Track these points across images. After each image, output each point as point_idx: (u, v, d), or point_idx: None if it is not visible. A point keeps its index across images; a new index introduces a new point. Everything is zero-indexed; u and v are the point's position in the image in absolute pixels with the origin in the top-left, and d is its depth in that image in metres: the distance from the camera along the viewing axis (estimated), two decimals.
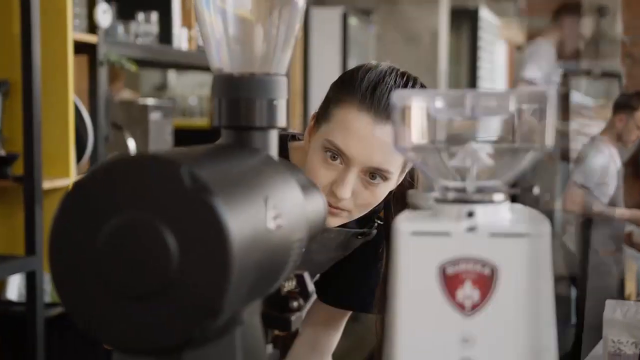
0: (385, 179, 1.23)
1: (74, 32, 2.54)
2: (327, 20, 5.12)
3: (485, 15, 7.40)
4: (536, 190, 4.30)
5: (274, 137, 0.83)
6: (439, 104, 0.71)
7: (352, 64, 6.13)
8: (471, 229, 0.68)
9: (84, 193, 0.63)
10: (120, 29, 2.91)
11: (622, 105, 4.28)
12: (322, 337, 1.47)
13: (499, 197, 0.71)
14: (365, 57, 6.10)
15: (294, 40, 0.85)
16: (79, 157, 2.59)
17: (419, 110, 0.72)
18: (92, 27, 2.64)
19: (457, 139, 0.73)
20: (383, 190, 1.26)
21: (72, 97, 2.49)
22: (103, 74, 2.66)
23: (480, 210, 0.70)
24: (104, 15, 2.61)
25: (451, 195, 0.71)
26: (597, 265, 4.17)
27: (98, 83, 2.64)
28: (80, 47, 2.61)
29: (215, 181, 0.63)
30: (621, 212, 4.26)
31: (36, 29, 2.35)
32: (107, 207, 0.62)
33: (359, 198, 1.25)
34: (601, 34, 9.23)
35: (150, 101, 3.13)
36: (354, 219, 1.30)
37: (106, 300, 0.62)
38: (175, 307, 0.61)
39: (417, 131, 0.72)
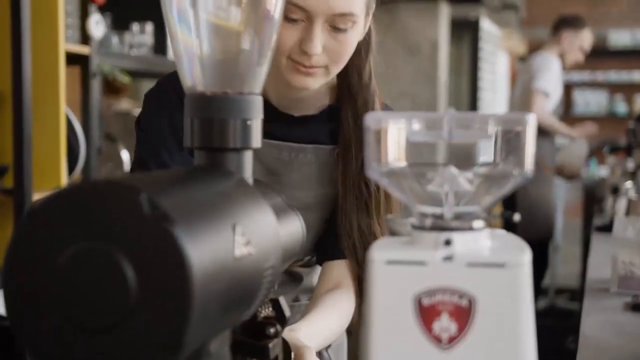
0: (352, 23, 1.20)
1: (66, 43, 2.51)
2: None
3: (486, 25, 7.38)
4: (517, 217, 4.33)
5: (248, 158, 0.80)
6: (415, 126, 0.68)
7: None
8: (448, 258, 0.66)
9: (41, 220, 0.60)
10: (115, 39, 2.88)
11: (568, 24, 4.38)
12: (337, 299, 1.30)
13: (478, 224, 0.68)
14: None
15: (269, 57, 0.82)
16: (71, 169, 2.56)
17: (394, 132, 0.69)
18: (85, 38, 2.62)
19: (434, 163, 0.71)
20: (352, 37, 1.22)
21: (63, 108, 2.46)
22: (96, 85, 2.64)
23: (458, 238, 0.67)
24: (97, 26, 2.59)
25: (428, 222, 0.68)
26: (541, 180, 4.29)
27: (90, 94, 2.62)
28: (73, 58, 2.59)
29: (176, 208, 0.60)
30: (575, 131, 4.50)
31: (27, 40, 2.33)
32: (64, 235, 0.59)
33: (330, 50, 1.21)
34: None
35: None
36: (332, 76, 1.27)
37: (62, 332, 0.59)
38: (133, 341, 0.58)
39: (392, 154, 0.69)
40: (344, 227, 1.30)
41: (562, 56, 4.40)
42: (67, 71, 2.53)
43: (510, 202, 4.36)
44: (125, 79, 2.73)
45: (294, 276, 1.46)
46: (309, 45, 1.18)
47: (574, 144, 4.62)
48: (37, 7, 2.42)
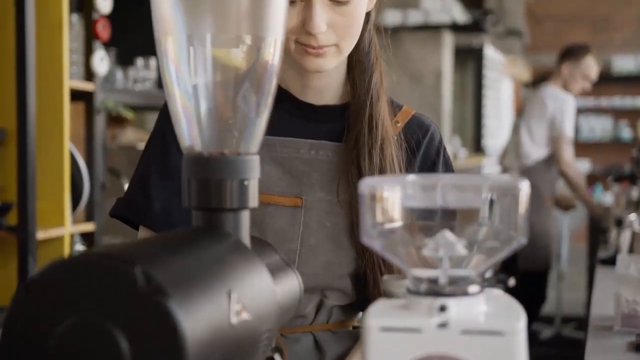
0: None
1: (71, 80, 2.53)
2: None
3: (490, 53, 7.41)
4: (511, 282, 4.39)
5: (245, 218, 0.80)
6: (409, 192, 0.68)
7: None
8: (442, 325, 0.66)
9: (36, 293, 0.60)
10: (119, 74, 2.90)
11: (568, 55, 4.40)
12: None
13: (473, 288, 0.68)
14: None
15: (266, 117, 0.83)
16: (75, 205, 2.57)
17: (388, 198, 0.69)
18: (90, 75, 2.63)
19: (429, 228, 0.71)
20: (357, 8, 1.15)
21: (67, 145, 2.47)
22: (100, 121, 2.65)
23: (453, 303, 0.67)
24: (101, 62, 2.61)
25: (423, 287, 0.68)
26: (541, 210, 4.27)
27: (95, 130, 2.63)
28: (78, 94, 2.61)
29: (171, 280, 0.60)
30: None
31: (32, 77, 2.34)
32: (59, 309, 0.59)
33: (336, 26, 1.14)
34: None
35: None
36: (346, 54, 1.19)
37: None
38: None
39: (387, 219, 0.70)
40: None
41: (565, 87, 4.41)
42: (72, 107, 2.55)
43: None
44: (129, 114, 2.74)
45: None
46: (311, 25, 1.12)
47: None
48: (43, 44, 2.44)
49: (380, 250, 0.70)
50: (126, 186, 2.93)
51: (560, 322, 5.46)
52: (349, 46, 1.18)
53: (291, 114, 1.26)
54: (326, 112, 1.26)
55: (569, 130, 4.28)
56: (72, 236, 2.62)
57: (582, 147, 10.10)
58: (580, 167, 9.95)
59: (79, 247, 2.75)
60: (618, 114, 9.96)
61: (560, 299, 5.54)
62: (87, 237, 2.72)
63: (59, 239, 2.50)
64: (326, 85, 1.26)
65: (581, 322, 5.47)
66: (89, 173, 2.60)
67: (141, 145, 3.18)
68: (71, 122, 2.54)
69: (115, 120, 3.53)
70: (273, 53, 0.81)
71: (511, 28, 9.36)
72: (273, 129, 1.23)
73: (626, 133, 9.92)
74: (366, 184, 0.69)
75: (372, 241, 0.69)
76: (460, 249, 0.69)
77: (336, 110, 1.26)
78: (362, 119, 1.21)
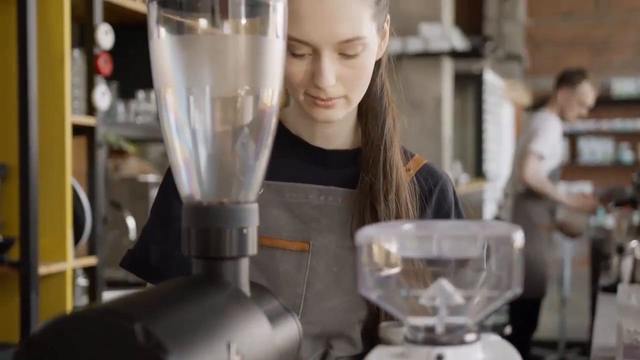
0: (362, 46, 1.12)
1: (73, 115, 2.55)
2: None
3: (490, 78, 7.45)
4: (508, 330, 4.43)
5: (244, 265, 0.81)
6: (406, 242, 0.69)
7: None
8: None
9: (36, 348, 0.61)
10: (121, 107, 2.92)
11: (564, 81, 4.40)
12: None
13: (470, 337, 0.69)
14: None
15: (264, 166, 0.84)
16: (77, 239, 2.57)
17: (385, 248, 0.70)
18: (91, 109, 2.65)
19: (426, 276, 0.72)
20: (366, 60, 1.14)
21: (69, 180, 2.49)
22: (102, 155, 2.67)
23: (450, 352, 0.68)
24: (103, 97, 2.63)
25: (420, 335, 0.69)
26: (533, 238, 4.26)
27: (96, 165, 2.65)
28: (79, 129, 2.62)
29: (171, 334, 0.61)
30: (572, 200, 4.47)
31: (34, 112, 2.36)
32: None
33: (345, 79, 1.13)
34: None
35: (151, 178, 3.13)
36: (356, 104, 1.18)
37: None
38: None
39: (384, 269, 0.71)
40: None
41: (562, 113, 4.43)
42: (73, 141, 2.56)
43: None
44: (130, 148, 2.76)
45: None
46: (320, 79, 1.11)
47: None
48: (45, 80, 2.46)
49: (376, 299, 0.71)
50: (128, 219, 2.94)
51: (564, 347, 5.44)
52: (357, 97, 1.17)
53: (301, 159, 1.25)
54: (336, 157, 1.26)
55: (536, 147, 4.27)
56: (74, 270, 2.63)
57: (583, 170, 10.12)
58: (581, 189, 9.98)
59: (81, 281, 2.76)
60: (619, 136, 9.98)
61: (563, 324, 5.53)
62: (89, 271, 2.73)
63: (61, 274, 2.50)
64: (336, 131, 1.26)
65: (585, 347, 5.45)
66: (90, 207, 2.61)
67: (143, 177, 3.19)
68: (73, 156, 2.55)
69: (118, 151, 3.55)
70: (271, 103, 0.82)
71: (511, 52, 9.42)
72: (283, 173, 1.24)
73: (627, 156, 9.94)
74: (363, 235, 0.70)
75: (369, 291, 0.70)
76: (457, 297, 0.70)
77: (347, 155, 1.25)
78: (377, 165, 1.21)
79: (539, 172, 4.26)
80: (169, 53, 0.79)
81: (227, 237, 0.79)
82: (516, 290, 0.69)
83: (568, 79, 4.44)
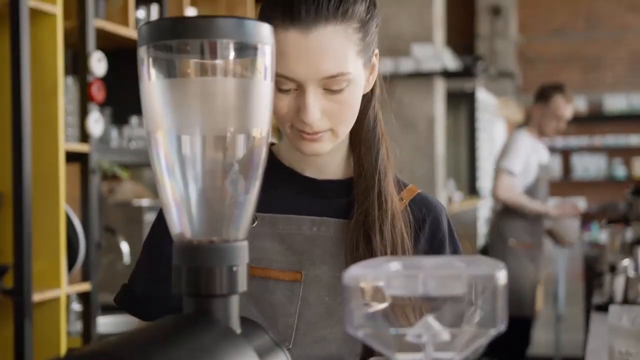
0: (346, 82, 1.13)
1: (66, 142, 2.56)
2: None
3: (482, 96, 7.49)
4: None
5: (234, 302, 0.83)
6: (392, 282, 0.71)
7: None
8: None
9: None
10: (114, 133, 2.94)
11: (538, 97, 4.41)
12: None
13: None
14: None
15: (253, 204, 0.85)
16: (71, 265, 2.58)
17: (372, 288, 0.71)
18: (85, 136, 2.67)
19: (412, 313, 0.73)
20: (352, 94, 1.15)
21: (63, 207, 2.50)
22: (95, 181, 2.68)
23: None
24: (96, 124, 2.65)
25: None
26: (508, 256, 4.25)
27: (90, 191, 2.66)
28: (73, 156, 2.64)
29: None
30: (553, 210, 4.44)
31: (28, 140, 2.38)
32: None
33: (330, 113, 1.14)
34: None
35: (145, 202, 3.14)
36: (343, 137, 1.20)
37: None
38: None
39: (370, 307, 0.72)
40: None
41: (540, 129, 4.45)
42: (67, 168, 2.57)
43: None
44: (123, 174, 2.77)
45: None
46: (305, 114, 1.13)
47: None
48: (38, 107, 2.48)
49: (364, 337, 0.72)
50: (122, 244, 2.94)
51: None
52: (344, 130, 1.18)
53: (294, 190, 1.26)
54: (329, 187, 1.27)
55: (505, 164, 4.28)
56: (68, 296, 2.64)
57: (577, 186, 10.16)
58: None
59: (75, 306, 2.76)
60: (612, 152, 10.03)
61: (558, 340, 5.54)
62: (83, 296, 2.73)
63: (55, 300, 2.51)
64: (328, 161, 1.26)
65: None
66: (84, 233, 2.62)
67: (137, 201, 3.20)
68: (66, 183, 2.56)
69: (113, 175, 3.56)
70: (260, 142, 0.84)
71: (503, 70, 9.47)
72: (277, 205, 1.25)
73: (620, 171, 9.98)
74: (350, 274, 0.72)
75: (356, 329, 0.72)
76: (444, 334, 0.71)
77: (339, 185, 1.26)
78: (372, 195, 1.22)
79: (511, 188, 4.25)
80: (159, 96, 0.81)
81: (217, 276, 0.81)
82: (500, 327, 0.70)
83: (542, 94, 4.45)
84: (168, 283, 1.12)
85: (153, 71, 0.81)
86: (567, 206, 4.62)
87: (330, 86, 1.13)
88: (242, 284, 0.82)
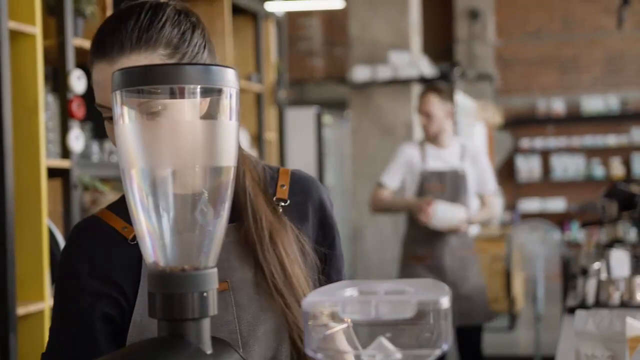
0: (163, 106, 1.11)
1: (48, 159, 2.62)
2: (302, 119, 5.28)
3: (461, 100, 7.57)
4: None
5: (206, 325, 0.89)
6: (347, 308, 0.78)
7: (328, 160, 6.28)
8: None
9: None
10: (95, 147, 2.99)
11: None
12: None
13: None
14: (341, 151, 6.25)
15: (222, 233, 0.92)
16: (54, 279, 2.64)
17: (329, 313, 0.78)
18: (66, 152, 2.72)
19: (366, 337, 0.80)
20: (208, 105, 1.18)
21: (45, 222, 2.55)
22: (77, 196, 2.73)
23: None
24: (77, 140, 2.70)
25: None
26: (404, 270, 4.12)
27: (72, 205, 2.71)
28: (54, 172, 2.69)
29: None
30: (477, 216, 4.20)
31: (9, 157, 2.43)
32: None
33: None
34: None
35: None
36: None
37: None
38: None
39: (327, 332, 0.79)
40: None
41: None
42: (49, 184, 2.63)
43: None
44: (105, 189, 2.83)
45: None
46: None
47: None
48: (19, 125, 2.53)
49: (322, 359, 0.79)
50: None
51: None
52: None
53: None
54: None
55: (383, 178, 4.12)
56: (51, 309, 2.68)
57: (556, 186, 10.29)
58: (555, 205, 10.14)
59: None
60: (590, 152, 10.16)
61: (538, 339, 5.62)
62: None
63: (39, 314, 2.56)
64: None
65: None
66: None
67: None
68: (48, 198, 2.61)
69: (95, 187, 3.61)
70: (227, 176, 0.91)
71: (482, 72, 9.58)
72: None
73: (599, 171, 10.11)
74: (308, 302, 0.78)
75: (315, 352, 0.79)
76: (396, 354, 0.78)
77: None
78: (247, 217, 1.27)
79: (377, 197, 4.11)
80: (132, 136, 0.87)
81: (189, 301, 0.87)
82: (445, 346, 0.77)
83: (424, 92, 4.17)
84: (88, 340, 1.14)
85: (126, 114, 0.87)
86: (423, 201, 4.24)
87: (148, 111, 1.06)
88: (213, 308, 0.89)
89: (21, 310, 2.46)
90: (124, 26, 1.19)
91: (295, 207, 1.32)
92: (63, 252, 1.30)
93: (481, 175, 4.13)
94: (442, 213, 3.97)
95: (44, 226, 2.53)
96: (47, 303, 2.58)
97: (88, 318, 1.23)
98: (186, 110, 0.88)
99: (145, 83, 0.87)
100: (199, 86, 0.87)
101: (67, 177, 2.72)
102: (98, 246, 1.26)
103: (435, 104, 4.03)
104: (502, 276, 7.23)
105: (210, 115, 0.89)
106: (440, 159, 4.14)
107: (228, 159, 0.89)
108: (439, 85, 4.23)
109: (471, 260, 4.25)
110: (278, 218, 1.29)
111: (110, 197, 3.76)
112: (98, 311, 1.23)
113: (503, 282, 7.20)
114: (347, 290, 0.81)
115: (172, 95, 0.88)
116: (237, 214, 1.27)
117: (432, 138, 4.13)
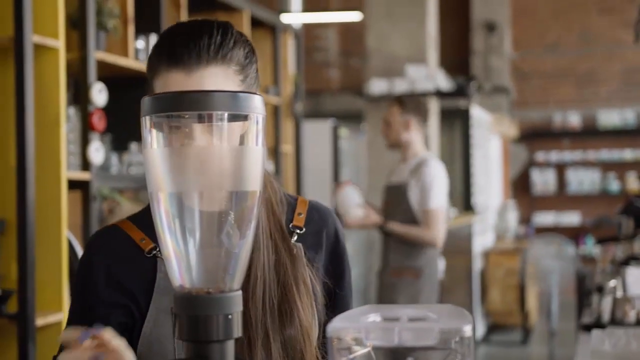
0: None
1: (68, 171, 2.65)
2: (318, 132, 5.31)
3: (477, 112, 7.58)
4: None
5: (230, 347, 0.91)
6: (371, 335, 0.79)
7: (343, 172, 6.30)
8: None
9: None
10: (115, 159, 3.02)
11: None
12: None
13: None
14: (356, 164, 6.26)
15: (247, 256, 0.94)
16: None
17: (353, 339, 0.80)
18: (86, 164, 2.75)
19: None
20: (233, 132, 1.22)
21: (65, 233, 2.58)
22: (96, 208, 2.76)
23: None
24: (97, 153, 2.73)
25: None
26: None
27: (91, 217, 2.74)
28: (75, 184, 2.72)
29: None
30: (395, 226, 3.96)
31: (31, 170, 2.46)
32: None
33: None
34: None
35: None
36: None
37: None
38: None
39: (352, 354, 0.80)
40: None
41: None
42: (69, 196, 2.66)
43: None
44: (123, 201, 2.86)
45: None
46: None
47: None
48: (41, 138, 2.56)
49: None
50: None
51: None
52: None
53: None
54: None
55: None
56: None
57: (571, 200, 10.24)
58: (570, 219, 10.10)
59: None
60: (606, 166, 10.12)
61: (552, 354, 5.61)
62: None
63: (58, 324, 2.58)
64: None
65: None
66: None
67: None
68: (68, 210, 2.64)
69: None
70: (253, 200, 0.92)
71: (498, 85, 9.57)
72: None
73: (614, 185, 10.07)
74: (332, 327, 0.80)
75: None
76: None
77: None
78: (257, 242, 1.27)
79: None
80: (160, 161, 0.89)
81: (214, 323, 0.89)
82: None
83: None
84: None
85: (154, 139, 0.89)
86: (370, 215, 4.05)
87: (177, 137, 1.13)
88: (238, 330, 0.91)
89: (40, 321, 2.49)
90: (198, 39, 1.20)
91: (310, 236, 1.33)
92: (82, 259, 1.31)
93: (422, 192, 3.91)
94: (343, 196, 3.94)
95: (64, 238, 2.56)
96: (65, 313, 2.61)
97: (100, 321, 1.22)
98: (213, 135, 0.90)
99: (174, 109, 0.89)
100: (226, 112, 0.89)
101: (86, 189, 2.75)
102: (115, 255, 1.28)
103: (394, 114, 4.02)
104: (516, 290, 7.22)
105: (237, 140, 0.91)
106: (396, 174, 4.11)
107: (254, 184, 0.91)
108: (406, 98, 4.20)
109: (406, 284, 3.97)
110: (288, 245, 1.29)
111: (127, 207, 3.79)
112: (113, 321, 1.25)
113: (517, 296, 7.19)
114: (370, 316, 0.82)
115: (201, 120, 0.90)
116: None
117: (391, 147, 4.13)
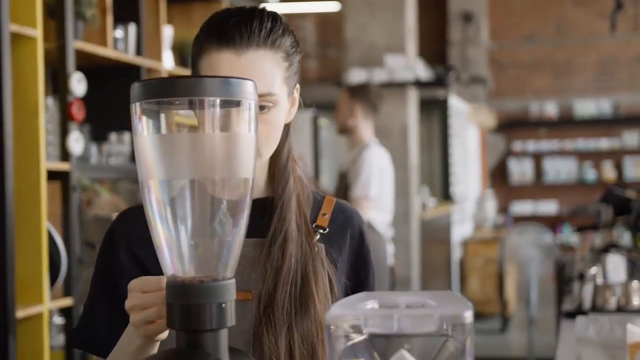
0: (273, 103, 1.21)
1: (47, 161, 2.61)
2: (298, 121, 5.28)
3: (455, 102, 7.60)
4: None
5: (224, 336, 0.90)
6: (369, 321, 0.78)
7: (323, 163, 6.29)
8: None
9: None
10: (94, 150, 2.99)
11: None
12: None
13: None
14: (336, 154, 6.26)
15: (240, 244, 0.92)
16: (53, 281, 2.63)
17: (351, 326, 0.79)
18: (65, 155, 2.72)
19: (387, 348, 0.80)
20: (277, 116, 1.23)
21: (45, 224, 2.55)
22: (76, 199, 2.73)
23: None
24: (76, 143, 2.70)
25: None
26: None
27: (71, 208, 2.71)
28: (54, 174, 2.69)
29: None
30: None
31: (10, 160, 2.42)
32: None
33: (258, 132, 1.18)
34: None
35: None
36: (266, 158, 1.26)
37: None
38: None
39: (349, 342, 0.79)
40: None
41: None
42: (48, 186, 2.62)
43: None
44: (103, 191, 2.83)
45: None
46: None
47: None
48: (20, 128, 2.52)
49: None
50: None
51: None
52: (268, 152, 1.25)
53: None
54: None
55: None
56: (50, 312, 2.68)
57: (548, 189, 10.31)
58: (547, 208, 10.18)
59: (57, 319, 2.81)
60: (582, 156, 10.19)
61: (531, 342, 5.64)
62: (65, 312, 2.78)
63: (38, 316, 2.55)
64: None
65: None
66: (66, 249, 2.67)
67: (115, 215, 3.25)
68: (48, 200, 2.61)
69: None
70: (245, 187, 0.91)
71: (475, 76, 9.59)
72: None
73: (590, 174, 10.14)
74: (331, 315, 0.79)
75: None
76: None
77: (260, 204, 1.28)
78: (273, 217, 1.28)
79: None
80: (151, 148, 0.88)
81: (207, 312, 0.88)
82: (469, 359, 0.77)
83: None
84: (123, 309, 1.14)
85: (145, 126, 0.87)
86: None
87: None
88: (231, 319, 0.89)
89: (20, 313, 2.46)
90: (250, 23, 1.22)
91: (333, 237, 1.32)
92: (107, 232, 1.31)
93: (354, 179, 3.96)
94: None
95: (44, 229, 2.53)
96: (46, 305, 2.58)
97: (123, 295, 1.19)
98: (205, 122, 0.88)
99: (165, 95, 0.87)
100: (218, 98, 0.87)
101: (66, 179, 2.71)
102: (138, 231, 1.25)
103: (343, 99, 4.09)
104: (495, 279, 7.26)
105: (229, 127, 0.89)
106: (345, 161, 4.21)
107: (247, 171, 0.90)
108: (356, 86, 4.28)
109: None
110: (310, 241, 1.28)
111: (106, 198, 3.76)
112: None
113: (496, 284, 7.23)
114: (368, 303, 0.81)
115: (191, 107, 0.88)
116: (265, 225, 1.27)
117: (340, 133, 4.18)
